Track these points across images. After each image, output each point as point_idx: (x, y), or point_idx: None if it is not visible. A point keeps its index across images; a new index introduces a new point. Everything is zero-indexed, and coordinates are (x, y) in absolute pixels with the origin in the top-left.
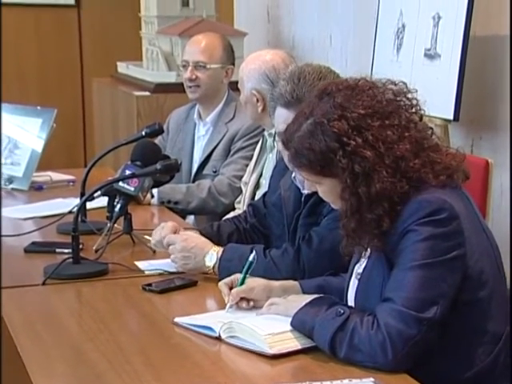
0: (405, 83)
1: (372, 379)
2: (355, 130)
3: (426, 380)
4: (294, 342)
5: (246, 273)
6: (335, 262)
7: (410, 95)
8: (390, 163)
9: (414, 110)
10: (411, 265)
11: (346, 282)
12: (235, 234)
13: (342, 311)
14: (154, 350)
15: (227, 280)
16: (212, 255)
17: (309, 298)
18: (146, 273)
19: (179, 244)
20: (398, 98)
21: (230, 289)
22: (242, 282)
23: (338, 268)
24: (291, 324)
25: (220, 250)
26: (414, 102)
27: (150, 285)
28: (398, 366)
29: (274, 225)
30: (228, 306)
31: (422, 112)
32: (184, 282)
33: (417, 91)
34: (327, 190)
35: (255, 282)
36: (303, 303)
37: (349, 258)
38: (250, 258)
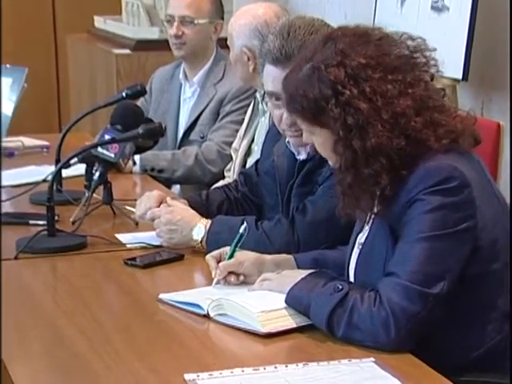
0: (424, 40)
1: (372, 359)
2: (352, 80)
3: (431, 360)
4: (288, 320)
5: (236, 246)
6: (332, 233)
7: (427, 53)
8: (388, 118)
9: (426, 68)
10: (418, 237)
11: (347, 253)
12: (225, 203)
13: (341, 287)
14: (137, 328)
15: (215, 253)
16: (200, 228)
17: (304, 272)
18: (128, 246)
19: (164, 217)
20: (415, 55)
21: (219, 262)
22: (231, 256)
23: (335, 240)
24: (285, 301)
25: (208, 222)
26: (432, 62)
27: (132, 259)
28: (401, 345)
29: (266, 194)
30: (215, 280)
31: (439, 73)
32: (169, 256)
33: (435, 50)
34: (321, 141)
35: (245, 256)
36: (298, 278)
37: (347, 226)
38: (241, 230)
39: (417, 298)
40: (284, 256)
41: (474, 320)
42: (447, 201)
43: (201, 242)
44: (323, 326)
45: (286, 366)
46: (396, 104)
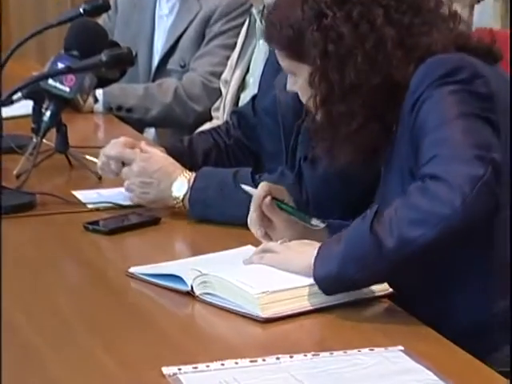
0: None
1: (401, 347)
2: (339, 2)
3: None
4: (293, 304)
5: (294, 213)
6: (351, 191)
7: None
8: (370, 48)
9: None
10: (442, 121)
11: None
12: (213, 152)
13: (368, 211)
14: (102, 311)
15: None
16: (182, 183)
17: (318, 244)
18: (90, 207)
19: (138, 165)
20: None
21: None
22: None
23: (356, 201)
24: (316, 279)
25: (192, 176)
26: None
27: (94, 223)
28: (468, 214)
29: (266, 139)
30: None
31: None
32: (142, 220)
33: None
34: (303, 83)
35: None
36: (315, 250)
37: (371, 181)
38: (313, 221)
39: (474, 162)
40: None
41: (491, 273)
42: (461, 88)
43: (182, 200)
44: (366, 247)
45: (291, 357)
46: (381, 32)
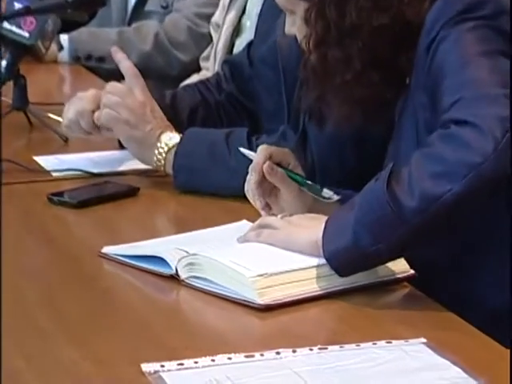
0: None
1: (423, 339)
2: None
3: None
4: (297, 288)
5: (304, 184)
6: (363, 156)
7: None
8: None
9: None
10: (462, 62)
11: None
12: (201, 109)
13: (382, 172)
14: (70, 299)
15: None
16: (173, 136)
17: (325, 218)
18: (54, 175)
19: (125, 100)
20: None
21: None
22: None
23: (370, 169)
24: (325, 256)
25: (180, 135)
26: None
27: (60, 194)
28: (502, 163)
29: (264, 94)
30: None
31: None
32: (117, 190)
33: None
34: (301, 23)
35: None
36: (322, 225)
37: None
38: (326, 190)
39: (503, 101)
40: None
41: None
42: (482, 24)
43: (167, 151)
44: (383, 202)
45: (294, 352)
46: None
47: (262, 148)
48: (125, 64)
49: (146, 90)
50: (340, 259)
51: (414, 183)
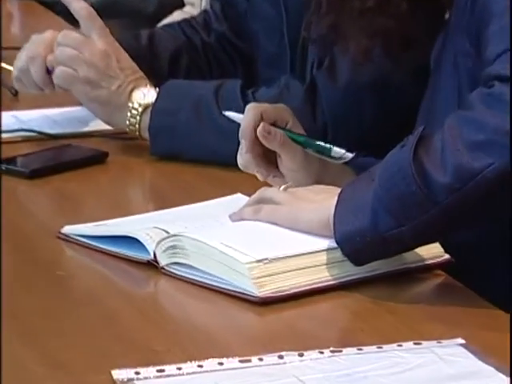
0: None
1: (461, 340)
2: None
3: None
4: (303, 277)
5: (307, 144)
6: (387, 112)
7: None
8: None
9: None
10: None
11: None
12: (185, 54)
13: (409, 137)
14: (23, 291)
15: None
16: (148, 92)
17: (337, 190)
18: (4, 137)
19: (82, 52)
20: None
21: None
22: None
23: (395, 129)
24: (337, 239)
25: (157, 89)
26: None
27: (10, 161)
28: None
29: (262, 36)
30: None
31: None
32: (81, 156)
33: None
34: None
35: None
36: (335, 198)
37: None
38: (336, 149)
39: None
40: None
41: None
42: None
43: (142, 112)
44: (410, 172)
45: (301, 356)
46: None
47: (250, 107)
48: (75, 5)
49: (108, 35)
50: (354, 244)
51: (448, 154)
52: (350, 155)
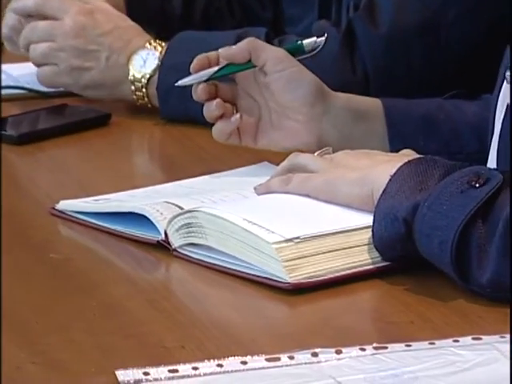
0: None
1: None
2: None
3: None
4: (340, 260)
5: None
6: (435, 57)
7: None
8: None
9: None
10: None
11: (491, 105)
12: (200, 8)
13: (485, 177)
14: (13, 278)
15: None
16: (147, 56)
17: (387, 157)
18: None
19: (73, 19)
20: None
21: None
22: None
23: (449, 83)
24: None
25: (163, 46)
26: None
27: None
28: None
29: None
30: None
31: None
32: (80, 118)
33: None
34: None
35: (292, 57)
36: (379, 168)
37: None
38: (305, 41)
39: None
40: (365, 99)
41: None
42: None
43: (146, 86)
44: (447, 259)
45: (338, 353)
46: None
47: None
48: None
49: (75, 3)
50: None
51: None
52: (321, 39)
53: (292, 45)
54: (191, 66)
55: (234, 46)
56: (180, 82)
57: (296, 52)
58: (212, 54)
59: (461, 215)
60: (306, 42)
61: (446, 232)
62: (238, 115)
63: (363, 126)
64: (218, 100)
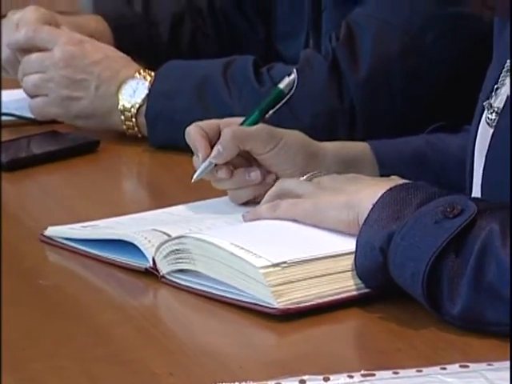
0: None
1: None
2: None
3: None
4: (328, 285)
5: (266, 110)
6: (418, 80)
7: None
8: None
9: None
10: None
11: (470, 136)
12: (188, 17)
13: (460, 207)
14: (3, 302)
15: (208, 123)
16: (137, 86)
17: (373, 181)
18: None
19: (63, 49)
20: None
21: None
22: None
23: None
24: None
25: (153, 74)
26: None
27: None
28: None
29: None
30: (199, 171)
31: None
32: (69, 145)
33: None
34: None
35: (281, 134)
36: (366, 191)
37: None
38: (281, 85)
39: None
40: (353, 144)
41: None
42: None
43: (136, 114)
44: (418, 291)
45: (327, 380)
46: None
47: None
48: (18, 38)
49: (63, 34)
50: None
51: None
52: (293, 75)
53: (273, 96)
54: (199, 158)
55: (221, 149)
56: (195, 177)
57: (279, 99)
58: (206, 129)
59: (432, 247)
60: (282, 85)
61: (418, 263)
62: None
63: (354, 171)
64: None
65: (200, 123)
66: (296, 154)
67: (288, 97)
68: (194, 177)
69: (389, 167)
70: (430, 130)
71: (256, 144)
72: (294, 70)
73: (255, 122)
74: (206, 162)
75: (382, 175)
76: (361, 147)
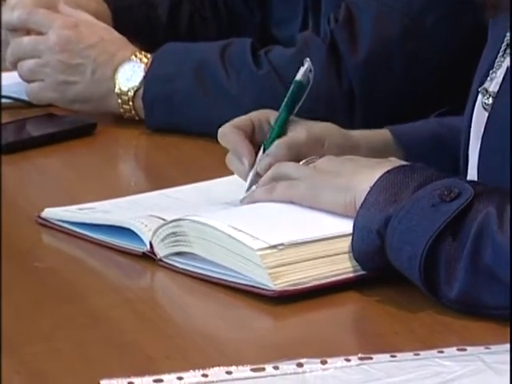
0: None
1: None
2: None
3: None
4: (326, 267)
5: (291, 107)
6: (417, 62)
7: None
8: None
9: None
10: None
11: (464, 120)
12: (185, 3)
13: (457, 190)
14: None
15: (241, 121)
16: (133, 69)
17: (370, 163)
18: None
19: (58, 33)
20: None
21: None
22: (280, 131)
23: (436, 90)
24: (354, 231)
25: (149, 57)
26: None
27: None
28: None
29: None
30: (248, 182)
31: None
32: (66, 128)
33: None
34: None
35: (315, 128)
36: (363, 173)
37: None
38: (298, 76)
39: None
40: (376, 132)
41: None
42: None
43: (133, 98)
44: (416, 275)
45: (323, 363)
46: None
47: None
48: (12, 16)
49: (58, 18)
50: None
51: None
52: (306, 65)
53: (294, 90)
54: (245, 165)
55: (273, 162)
56: (247, 191)
57: (301, 92)
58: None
59: (429, 231)
60: (299, 77)
61: (415, 247)
62: None
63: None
64: None
65: (233, 123)
66: (338, 151)
67: (309, 86)
68: (245, 189)
69: (413, 152)
70: (436, 114)
71: (308, 153)
72: (308, 59)
73: (285, 121)
74: (254, 171)
75: (408, 159)
76: (384, 134)
